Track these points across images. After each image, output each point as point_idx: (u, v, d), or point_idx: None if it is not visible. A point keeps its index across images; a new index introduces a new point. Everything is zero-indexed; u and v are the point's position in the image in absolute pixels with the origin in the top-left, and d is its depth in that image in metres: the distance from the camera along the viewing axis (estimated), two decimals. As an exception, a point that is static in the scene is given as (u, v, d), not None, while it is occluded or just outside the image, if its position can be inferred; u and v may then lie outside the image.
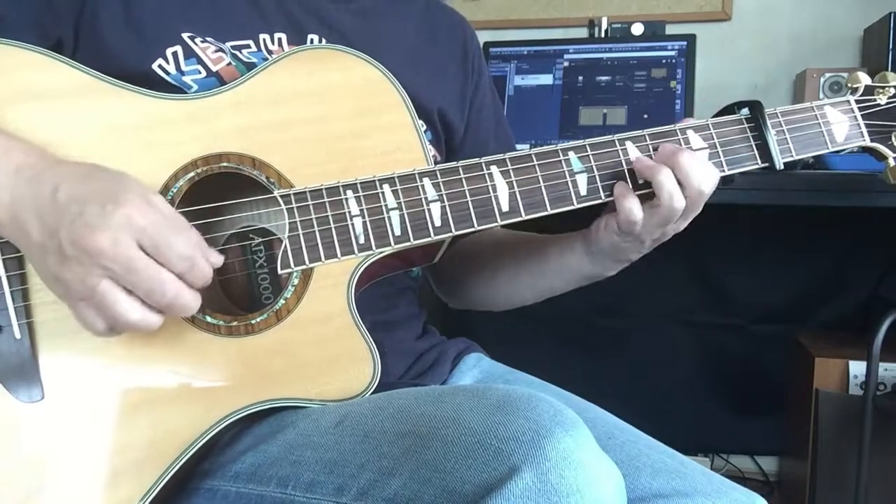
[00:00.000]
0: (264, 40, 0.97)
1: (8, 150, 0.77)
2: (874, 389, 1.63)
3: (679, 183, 0.88)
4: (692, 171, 0.88)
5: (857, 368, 1.79)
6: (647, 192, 0.90)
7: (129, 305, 0.72)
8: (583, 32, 2.26)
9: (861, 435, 1.62)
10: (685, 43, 2.02)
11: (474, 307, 1.19)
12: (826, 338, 2.01)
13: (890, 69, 1.88)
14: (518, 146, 2.01)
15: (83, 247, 0.70)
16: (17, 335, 0.79)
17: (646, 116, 2.00)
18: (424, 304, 1.15)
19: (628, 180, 0.91)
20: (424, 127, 0.93)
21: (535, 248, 1.06)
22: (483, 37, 2.10)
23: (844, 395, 1.80)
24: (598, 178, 0.91)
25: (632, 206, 0.89)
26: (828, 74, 1.98)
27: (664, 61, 2.03)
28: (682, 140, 0.93)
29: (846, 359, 1.82)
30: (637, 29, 2.11)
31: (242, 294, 0.93)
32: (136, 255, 0.71)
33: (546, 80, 2.10)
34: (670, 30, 2.14)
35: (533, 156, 0.91)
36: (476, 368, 1.11)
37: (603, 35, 2.18)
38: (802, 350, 1.96)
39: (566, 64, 2.10)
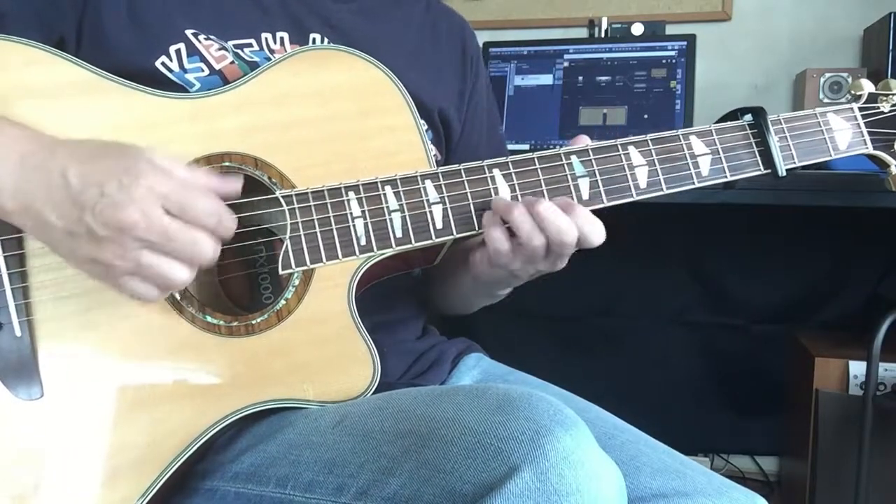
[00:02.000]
0: (266, 39, 0.97)
1: (9, 138, 0.77)
2: (874, 389, 1.63)
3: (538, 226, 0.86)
4: (545, 214, 0.85)
5: (857, 368, 1.79)
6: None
7: (177, 268, 0.74)
8: (583, 32, 2.26)
9: (861, 435, 1.62)
10: (685, 43, 2.02)
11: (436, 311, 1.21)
12: (826, 338, 2.01)
13: (890, 69, 1.88)
14: (518, 146, 2.03)
15: (116, 225, 0.70)
16: (18, 332, 0.79)
17: (646, 116, 2.00)
18: (424, 304, 1.15)
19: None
20: (425, 126, 0.94)
21: (456, 261, 1.06)
22: (483, 37, 2.10)
23: (844, 395, 1.80)
24: (600, 182, 0.91)
25: (498, 235, 0.86)
26: (828, 74, 1.98)
27: (664, 61, 2.03)
28: (684, 145, 0.93)
29: (846, 359, 1.82)
30: (637, 29, 2.11)
31: (243, 294, 0.93)
32: (168, 222, 0.72)
33: (546, 80, 2.10)
34: (670, 30, 2.14)
35: (535, 159, 0.90)
36: (476, 368, 1.11)
37: (603, 35, 2.18)
38: (802, 350, 1.96)
39: (566, 64, 2.10)
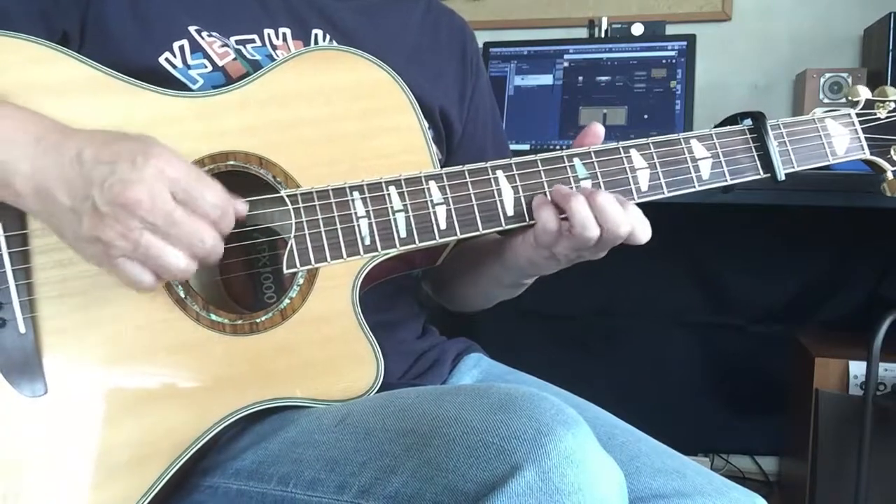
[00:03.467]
0: (269, 35, 0.98)
1: (25, 122, 0.77)
2: (874, 389, 1.64)
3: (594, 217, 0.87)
4: (603, 205, 0.86)
5: (857, 368, 1.79)
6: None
7: (175, 254, 0.73)
8: (583, 32, 2.27)
9: (861, 435, 1.62)
10: (685, 43, 2.02)
11: (450, 307, 1.21)
12: (826, 338, 2.01)
13: (890, 69, 1.88)
14: (518, 146, 2.03)
15: (121, 202, 0.70)
16: (22, 329, 0.79)
17: (646, 117, 2.00)
18: (424, 304, 1.15)
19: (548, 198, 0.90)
20: (427, 126, 0.94)
21: (485, 255, 1.06)
22: (483, 37, 2.10)
23: (844, 395, 1.80)
24: (602, 185, 0.91)
25: (548, 217, 0.87)
26: (828, 75, 1.98)
27: (664, 61, 2.03)
28: (685, 149, 0.93)
29: (846, 359, 1.82)
30: (637, 29, 2.11)
31: (245, 293, 0.93)
32: (173, 207, 0.72)
33: (546, 80, 2.10)
34: (670, 30, 2.14)
35: (538, 161, 0.91)
36: (476, 368, 1.11)
37: (603, 35, 2.18)
38: (802, 350, 1.96)
39: (566, 64, 2.10)
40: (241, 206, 0.80)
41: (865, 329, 1.66)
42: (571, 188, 0.90)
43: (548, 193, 0.90)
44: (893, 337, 1.60)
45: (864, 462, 1.62)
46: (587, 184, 0.91)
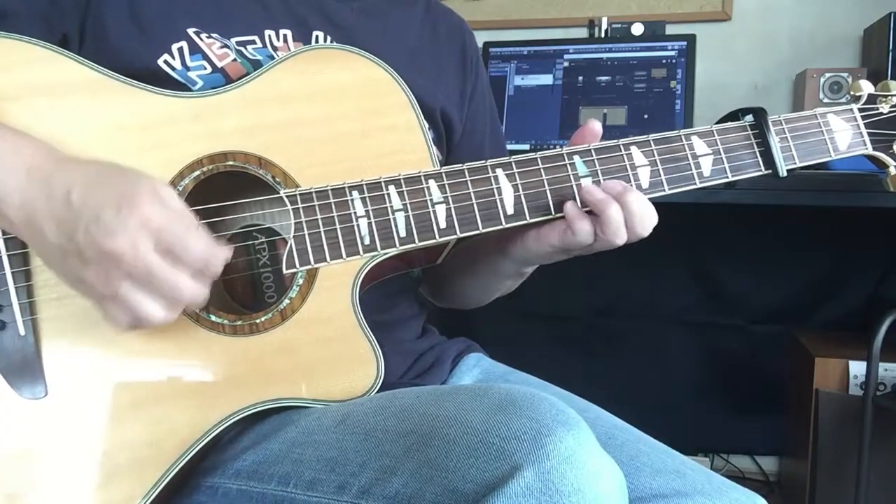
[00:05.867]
0: (269, 36, 0.97)
1: (18, 148, 0.77)
2: (874, 389, 1.64)
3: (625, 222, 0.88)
4: (638, 211, 0.88)
5: (857, 368, 1.79)
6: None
7: (153, 306, 0.73)
8: (583, 32, 2.27)
9: (861, 435, 1.62)
10: (685, 43, 2.03)
11: (445, 304, 1.22)
12: (826, 338, 2.01)
13: (890, 69, 1.88)
14: (518, 146, 2.03)
15: (103, 251, 0.70)
16: (22, 332, 0.79)
17: (646, 117, 2.00)
18: (424, 304, 1.15)
19: (577, 200, 0.90)
20: (427, 126, 0.94)
21: (487, 250, 1.06)
22: (483, 37, 2.10)
23: (844, 395, 1.80)
24: (602, 182, 0.91)
25: (588, 230, 0.88)
26: (828, 74, 1.99)
27: (664, 61, 2.03)
28: (686, 146, 0.93)
29: (846, 359, 1.82)
30: (637, 29, 2.11)
31: (245, 293, 0.93)
32: (154, 260, 0.71)
33: (546, 80, 2.10)
34: (670, 30, 2.14)
35: (538, 159, 0.91)
36: (476, 368, 1.11)
37: (603, 35, 2.18)
38: (802, 350, 1.96)
39: (566, 64, 2.10)
40: (225, 253, 0.77)
41: (865, 329, 1.66)
42: (572, 186, 0.90)
43: (578, 199, 0.90)
44: (893, 337, 1.60)
45: (864, 462, 1.62)
46: (588, 182, 0.91)
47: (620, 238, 0.88)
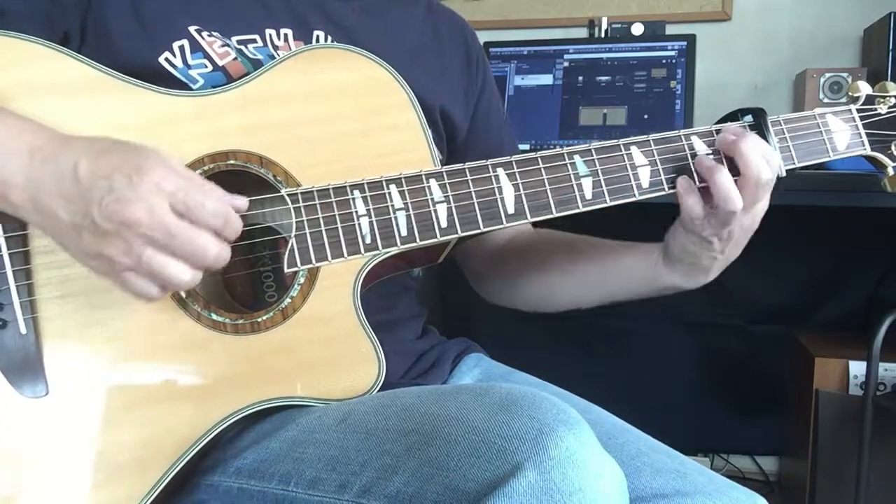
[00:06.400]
0: (270, 35, 0.97)
1: (19, 132, 0.76)
2: (874, 389, 1.64)
3: (736, 180, 0.89)
4: (750, 158, 0.88)
5: (857, 368, 1.79)
6: (705, 187, 0.91)
7: (178, 268, 0.74)
8: (583, 32, 2.27)
9: (861, 435, 1.62)
10: (685, 43, 2.03)
11: (527, 308, 1.18)
12: (826, 338, 2.01)
13: (890, 69, 1.88)
14: (518, 146, 2.03)
15: (120, 220, 0.70)
16: (23, 330, 0.79)
17: (646, 117, 2.00)
18: (424, 304, 1.15)
19: (694, 174, 0.91)
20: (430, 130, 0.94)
21: (613, 255, 1.06)
22: (483, 37, 2.10)
23: (844, 395, 1.80)
24: (602, 182, 0.91)
25: (693, 204, 0.90)
26: (828, 74, 1.99)
27: (664, 61, 2.03)
28: (686, 146, 0.93)
29: (846, 359, 1.82)
30: (637, 29, 2.11)
31: (246, 292, 0.93)
32: (173, 220, 0.72)
33: (546, 80, 2.10)
34: (670, 30, 2.14)
35: (539, 159, 0.91)
36: (476, 368, 1.11)
37: (603, 35, 2.18)
38: (802, 350, 1.96)
39: (566, 64, 2.10)
40: (241, 203, 0.80)
41: (865, 329, 1.66)
42: (571, 186, 0.90)
43: (694, 172, 0.91)
44: (893, 337, 1.60)
45: (864, 462, 1.62)
46: (588, 181, 0.91)
47: (733, 204, 0.87)
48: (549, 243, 1.12)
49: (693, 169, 0.91)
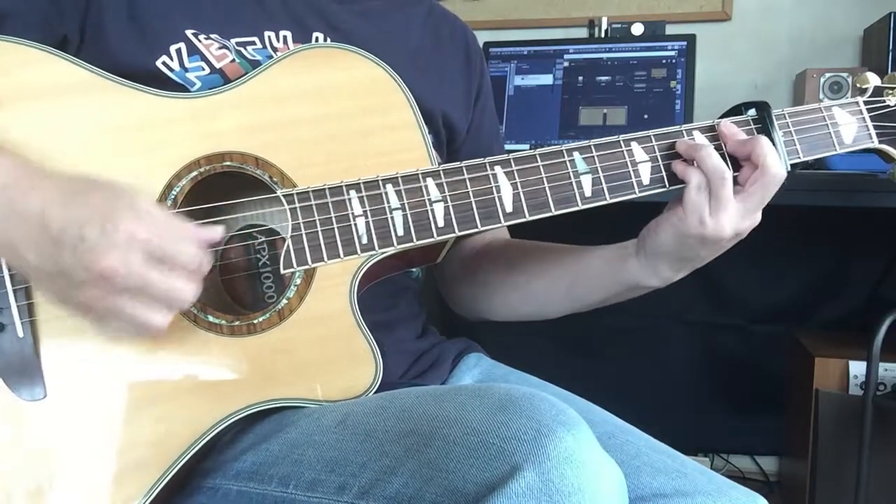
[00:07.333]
0: (269, 37, 0.97)
1: None
2: (874, 389, 1.63)
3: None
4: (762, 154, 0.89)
5: (857, 368, 1.79)
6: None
7: (153, 314, 0.73)
8: (583, 32, 2.27)
9: (861, 435, 1.62)
10: (685, 43, 2.03)
11: (493, 317, 1.15)
12: (826, 338, 2.01)
13: (890, 69, 1.88)
14: (518, 146, 2.03)
15: (96, 271, 0.69)
16: (20, 333, 0.79)
17: (646, 117, 2.00)
18: (424, 304, 1.15)
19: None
20: (428, 130, 0.93)
21: (576, 254, 1.05)
22: (483, 37, 2.10)
23: (844, 395, 1.80)
24: (602, 179, 0.90)
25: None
26: (828, 74, 1.99)
27: (664, 61, 2.03)
28: (687, 140, 0.92)
29: (846, 359, 1.82)
30: (637, 29, 2.11)
31: (245, 293, 0.93)
32: (147, 271, 0.71)
33: (546, 80, 2.10)
34: (670, 30, 2.14)
35: (537, 156, 0.90)
36: (476, 368, 1.11)
37: (603, 35, 2.18)
38: (802, 350, 1.96)
39: (566, 64, 2.10)
40: (217, 235, 0.77)
41: (865, 329, 1.65)
42: (571, 183, 0.90)
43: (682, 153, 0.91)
44: (893, 337, 1.60)
45: (864, 462, 1.62)
46: (587, 179, 0.90)
47: (726, 173, 0.87)
48: (519, 248, 1.12)
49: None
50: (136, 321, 0.73)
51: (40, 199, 0.72)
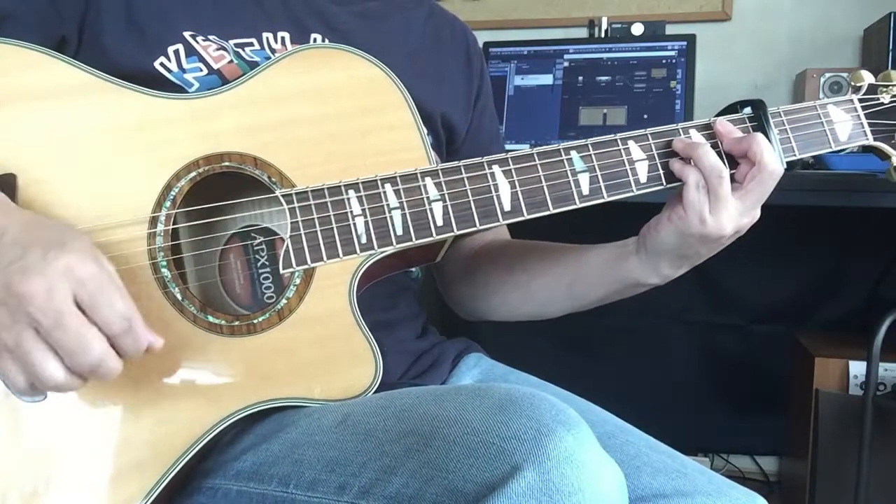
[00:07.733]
0: (268, 39, 0.97)
1: None
2: (874, 389, 1.63)
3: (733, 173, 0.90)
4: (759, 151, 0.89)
5: (857, 368, 1.79)
6: None
7: (52, 365, 0.67)
8: (583, 32, 2.27)
9: (861, 435, 1.62)
10: (685, 43, 2.03)
11: (493, 317, 1.15)
12: (826, 338, 2.01)
13: (890, 69, 1.88)
14: (518, 146, 2.03)
15: (15, 291, 0.66)
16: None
17: (646, 116, 2.00)
18: (424, 304, 1.15)
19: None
20: (426, 131, 0.93)
21: (576, 253, 1.05)
22: (483, 37, 2.10)
23: (844, 395, 1.80)
24: (600, 177, 0.91)
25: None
26: (828, 74, 1.99)
27: (664, 61, 2.03)
28: (684, 139, 0.93)
29: (846, 359, 1.82)
30: (637, 29, 2.12)
31: (244, 294, 0.93)
32: (67, 309, 0.66)
33: (546, 80, 2.10)
34: (670, 30, 2.14)
35: (535, 155, 0.90)
36: (476, 368, 1.11)
37: (603, 35, 2.18)
38: (802, 350, 1.96)
39: (566, 64, 2.10)
40: (156, 341, 0.73)
41: (865, 329, 1.65)
42: (568, 182, 0.90)
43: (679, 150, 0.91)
44: (893, 337, 1.60)
45: (864, 462, 1.62)
46: (585, 177, 0.90)
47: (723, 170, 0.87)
48: (519, 248, 1.12)
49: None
50: (30, 366, 0.67)
51: (3, 223, 0.70)
